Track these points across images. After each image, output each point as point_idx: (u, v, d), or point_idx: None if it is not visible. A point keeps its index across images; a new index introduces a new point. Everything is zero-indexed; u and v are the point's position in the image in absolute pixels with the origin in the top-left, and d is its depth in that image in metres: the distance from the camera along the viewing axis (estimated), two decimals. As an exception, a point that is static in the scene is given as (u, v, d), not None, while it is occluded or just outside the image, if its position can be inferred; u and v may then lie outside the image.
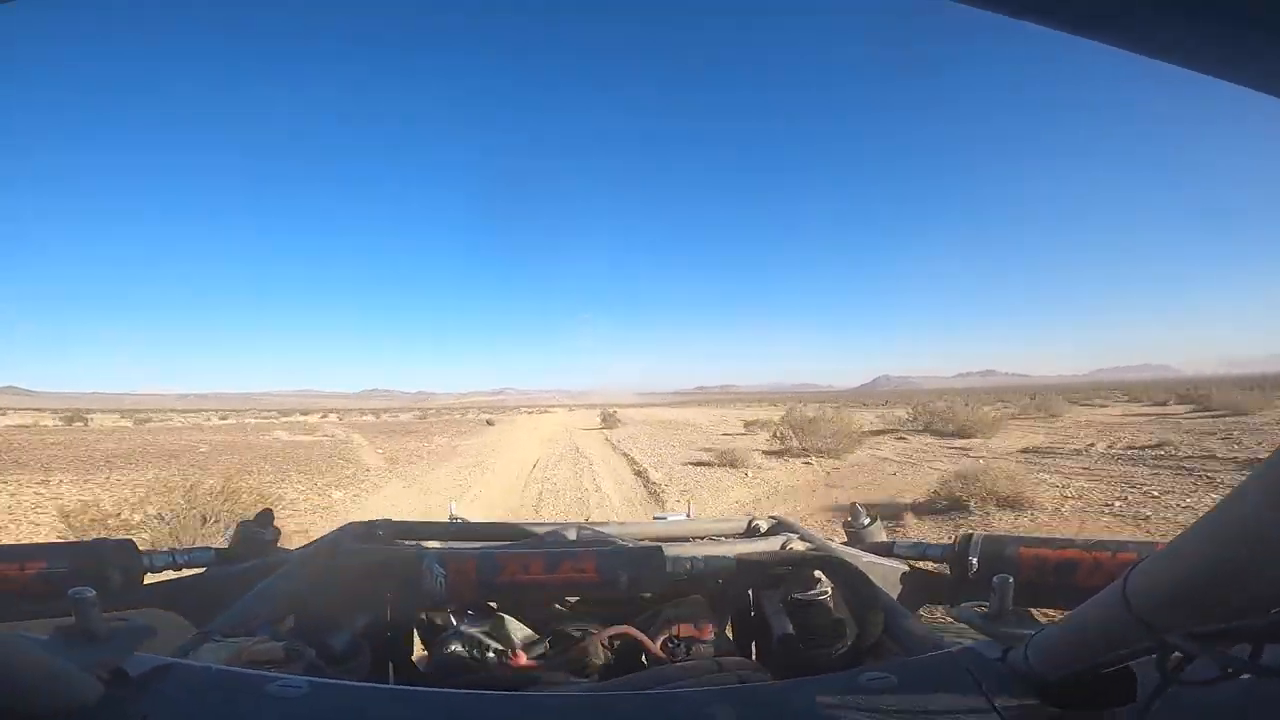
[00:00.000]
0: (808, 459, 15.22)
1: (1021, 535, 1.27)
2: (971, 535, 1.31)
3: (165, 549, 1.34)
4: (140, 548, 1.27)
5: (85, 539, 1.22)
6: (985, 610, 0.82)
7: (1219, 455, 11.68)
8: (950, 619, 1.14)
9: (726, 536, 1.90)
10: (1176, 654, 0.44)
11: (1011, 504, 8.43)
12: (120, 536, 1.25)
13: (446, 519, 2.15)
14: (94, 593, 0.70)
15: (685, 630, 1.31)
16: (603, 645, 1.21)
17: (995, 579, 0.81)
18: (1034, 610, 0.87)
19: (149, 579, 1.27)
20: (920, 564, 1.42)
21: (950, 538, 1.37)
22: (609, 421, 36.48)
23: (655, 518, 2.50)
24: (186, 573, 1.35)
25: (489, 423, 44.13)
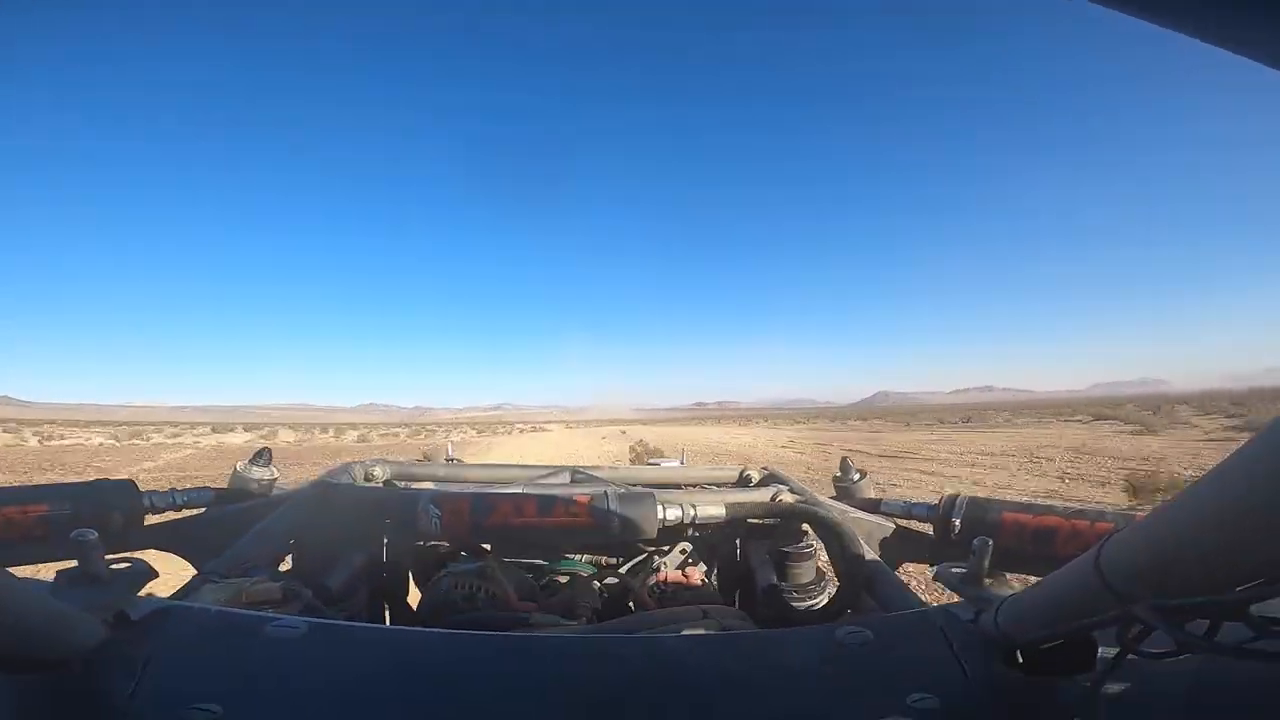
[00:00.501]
0: None
1: (1005, 500, 1.29)
2: (956, 496, 1.33)
3: (165, 489, 1.36)
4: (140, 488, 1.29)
5: (85, 480, 1.23)
6: (963, 572, 0.84)
7: None
8: (930, 578, 1.18)
9: (719, 485, 1.94)
10: (1137, 626, 0.46)
11: None
12: (121, 478, 1.27)
13: (443, 461, 2.19)
14: (96, 535, 0.71)
15: (673, 576, 1.35)
16: (592, 589, 1.25)
17: (975, 541, 0.83)
18: (1010, 575, 0.90)
19: (149, 520, 1.29)
20: (906, 523, 1.45)
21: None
22: (642, 455, 19.86)
23: (649, 463, 2.54)
24: (186, 513, 1.38)
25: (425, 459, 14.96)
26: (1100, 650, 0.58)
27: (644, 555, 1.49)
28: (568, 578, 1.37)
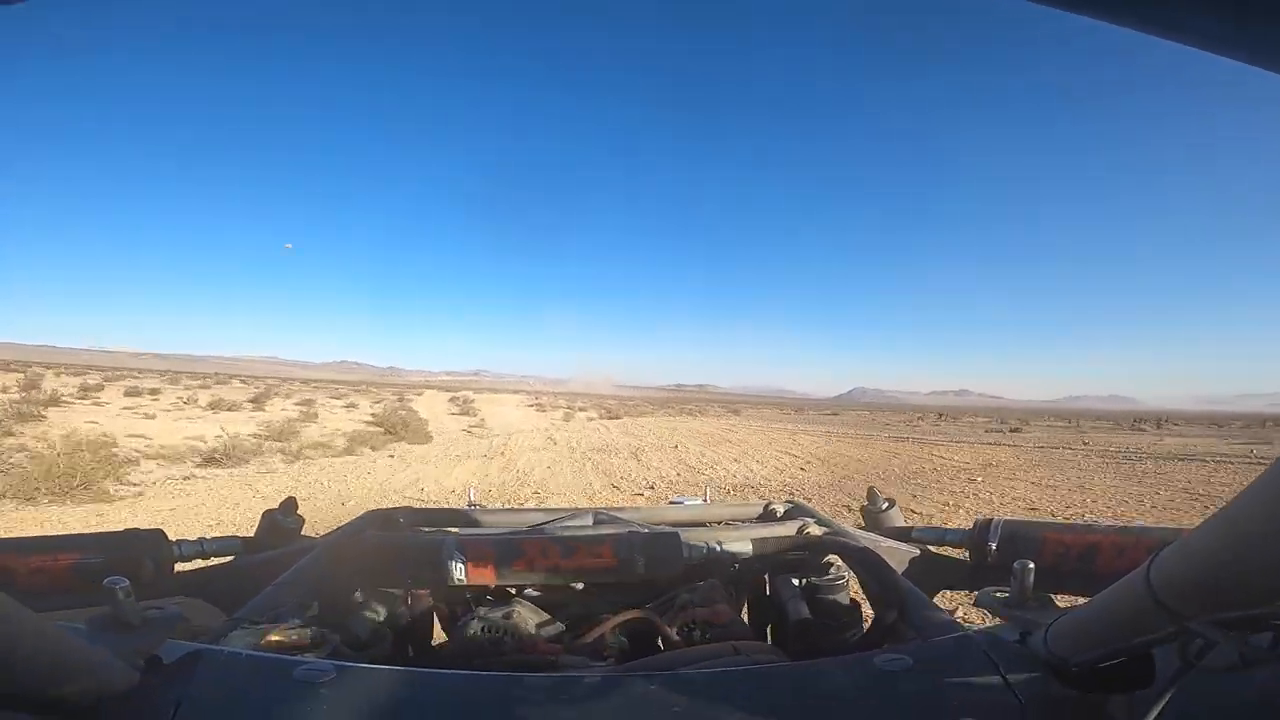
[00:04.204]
0: None
1: (1042, 520, 1.25)
2: (991, 520, 1.29)
3: (194, 538, 1.38)
4: (170, 537, 1.31)
5: (116, 530, 1.25)
6: (1005, 595, 0.81)
7: None
8: (969, 604, 1.14)
9: (743, 521, 1.91)
10: (1198, 640, 0.44)
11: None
12: (150, 527, 1.29)
13: (466, 505, 2.19)
14: (127, 582, 0.73)
15: (701, 614, 1.32)
16: (619, 629, 1.22)
17: (1015, 564, 0.80)
18: (1054, 596, 0.86)
19: (179, 567, 1.31)
20: (939, 549, 1.41)
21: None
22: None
23: (672, 502, 2.51)
24: (215, 561, 1.39)
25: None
26: (1159, 666, 0.55)
27: (671, 594, 1.46)
28: (595, 618, 1.34)
